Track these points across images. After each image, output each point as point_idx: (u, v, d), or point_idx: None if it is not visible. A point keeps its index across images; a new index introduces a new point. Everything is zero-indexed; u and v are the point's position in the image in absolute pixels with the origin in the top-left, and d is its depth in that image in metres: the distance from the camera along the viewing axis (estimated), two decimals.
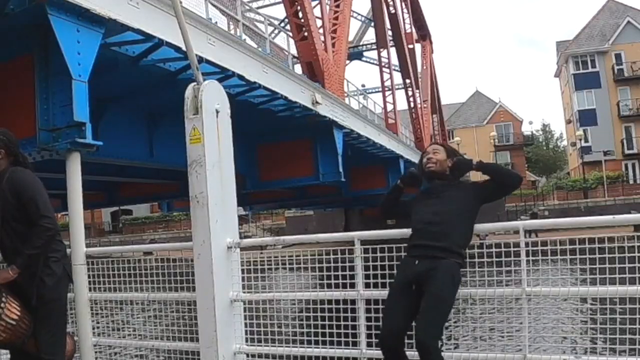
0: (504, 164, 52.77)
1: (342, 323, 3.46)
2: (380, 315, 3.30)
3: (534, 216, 31.37)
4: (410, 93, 30.27)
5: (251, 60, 10.59)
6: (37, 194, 3.24)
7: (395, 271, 3.25)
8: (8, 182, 3.24)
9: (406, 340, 3.01)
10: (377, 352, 3.33)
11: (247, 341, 3.72)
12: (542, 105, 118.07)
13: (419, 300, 2.96)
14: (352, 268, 3.44)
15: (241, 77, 10.01)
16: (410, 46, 31.38)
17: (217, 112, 3.70)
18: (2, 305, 3.13)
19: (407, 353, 3.04)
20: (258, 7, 22.72)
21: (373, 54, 31.96)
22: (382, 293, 3.34)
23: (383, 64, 27.33)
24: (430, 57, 37.80)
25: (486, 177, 3.21)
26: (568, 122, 49.01)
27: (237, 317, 3.68)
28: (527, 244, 3.08)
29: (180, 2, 4.23)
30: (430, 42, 38.48)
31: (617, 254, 2.92)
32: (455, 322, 3.74)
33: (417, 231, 3.15)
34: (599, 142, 41.22)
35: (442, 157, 3.29)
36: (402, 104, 29.85)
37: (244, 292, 3.75)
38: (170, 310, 4.41)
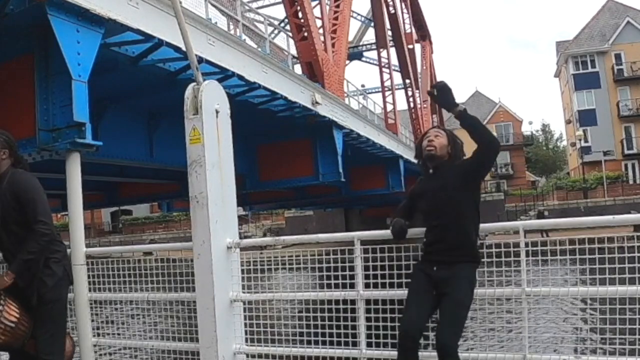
0: (503, 164, 52.79)
1: (342, 323, 3.46)
2: (381, 315, 3.31)
3: (541, 215, 31.30)
4: (410, 93, 30.27)
5: (251, 60, 10.58)
6: (36, 197, 3.21)
7: (395, 271, 3.25)
8: (9, 184, 3.24)
9: (422, 341, 3.03)
10: (377, 352, 3.34)
11: (247, 341, 3.72)
12: (542, 106, 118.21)
13: (437, 303, 3.01)
14: (352, 268, 3.44)
15: (241, 77, 10.00)
16: (410, 46, 31.37)
17: (217, 112, 3.69)
18: (1, 307, 3.12)
19: (424, 354, 3.04)
20: (258, 7, 22.71)
21: (373, 54, 32.00)
22: (382, 293, 3.35)
23: (383, 64, 27.32)
24: (430, 57, 37.81)
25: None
26: (568, 122, 49.00)
27: (237, 317, 3.68)
28: (526, 244, 3.08)
29: (180, 2, 4.23)
30: (430, 43, 38.49)
31: (617, 254, 2.92)
32: None
33: (432, 242, 3.11)
34: (598, 142, 41.21)
35: (444, 142, 3.21)
36: (402, 104, 29.91)
37: (244, 292, 3.75)
38: (168, 310, 4.41)
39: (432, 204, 3.14)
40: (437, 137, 3.21)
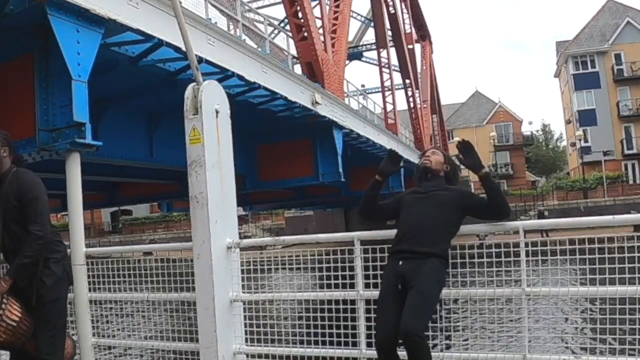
0: (503, 164, 52.75)
1: (342, 323, 3.46)
2: (373, 315, 3.31)
3: (541, 215, 31.30)
4: (410, 93, 30.27)
5: (251, 60, 10.59)
6: (38, 198, 3.22)
7: None
8: (12, 183, 3.23)
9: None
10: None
11: (246, 341, 3.72)
12: (542, 106, 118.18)
13: (404, 298, 2.99)
14: (352, 268, 3.44)
15: (241, 77, 10.00)
16: (410, 46, 31.37)
17: (217, 112, 3.69)
18: (3, 306, 3.13)
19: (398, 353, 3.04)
20: (258, 7, 22.71)
21: (373, 54, 31.99)
22: None
23: (383, 64, 27.32)
24: (430, 57, 37.79)
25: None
26: (568, 122, 49.01)
27: (237, 317, 3.68)
28: (526, 244, 3.08)
29: (180, 2, 4.23)
30: (430, 43, 38.47)
31: (617, 254, 2.92)
32: (455, 322, 3.74)
33: (402, 237, 3.16)
34: (598, 142, 41.23)
35: (440, 159, 3.37)
36: (401, 104, 29.89)
37: (244, 292, 3.75)
38: (168, 311, 4.41)
39: (414, 209, 3.18)
40: (434, 154, 3.42)
